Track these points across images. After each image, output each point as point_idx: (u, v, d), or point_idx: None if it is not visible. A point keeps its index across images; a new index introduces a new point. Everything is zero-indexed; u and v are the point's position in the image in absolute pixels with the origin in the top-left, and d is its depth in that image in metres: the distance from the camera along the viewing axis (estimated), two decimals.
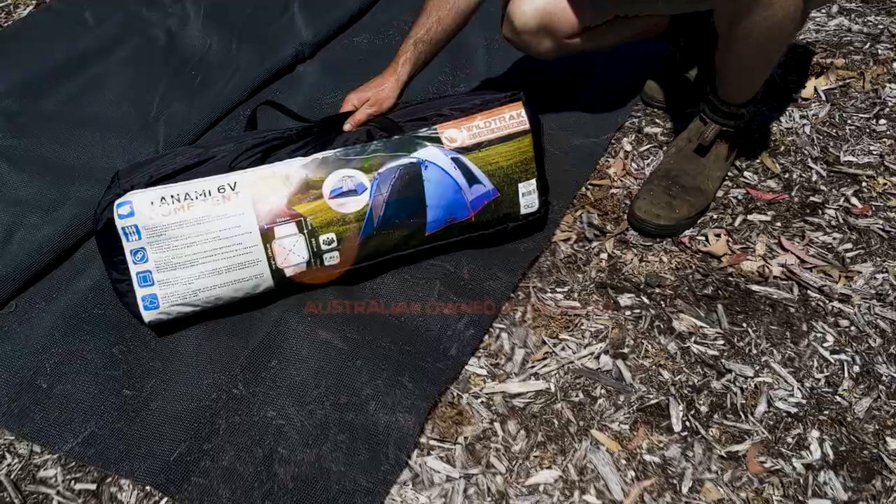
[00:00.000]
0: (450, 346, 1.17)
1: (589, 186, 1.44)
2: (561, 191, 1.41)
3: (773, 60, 1.27)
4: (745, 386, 1.11)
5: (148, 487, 1.03)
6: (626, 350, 1.17)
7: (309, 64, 1.80)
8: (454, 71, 1.74)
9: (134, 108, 1.62)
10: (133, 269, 1.14)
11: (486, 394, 1.12)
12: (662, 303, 1.24)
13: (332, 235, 1.18)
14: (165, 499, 1.02)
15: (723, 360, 1.15)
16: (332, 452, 1.04)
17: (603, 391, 1.12)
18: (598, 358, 1.16)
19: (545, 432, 1.07)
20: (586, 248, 1.33)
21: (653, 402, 1.10)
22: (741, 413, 1.08)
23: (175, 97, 1.65)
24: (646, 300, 1.24)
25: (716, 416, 1.08)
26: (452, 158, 1.22)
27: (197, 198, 1.14)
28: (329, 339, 1.18)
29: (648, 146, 1.53)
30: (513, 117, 1.25)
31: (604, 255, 1.32)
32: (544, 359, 1.17)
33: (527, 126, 1.25)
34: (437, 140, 1.22)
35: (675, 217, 1.33)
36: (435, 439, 1.07)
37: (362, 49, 1.86)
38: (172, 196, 1.14)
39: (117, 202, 1.13)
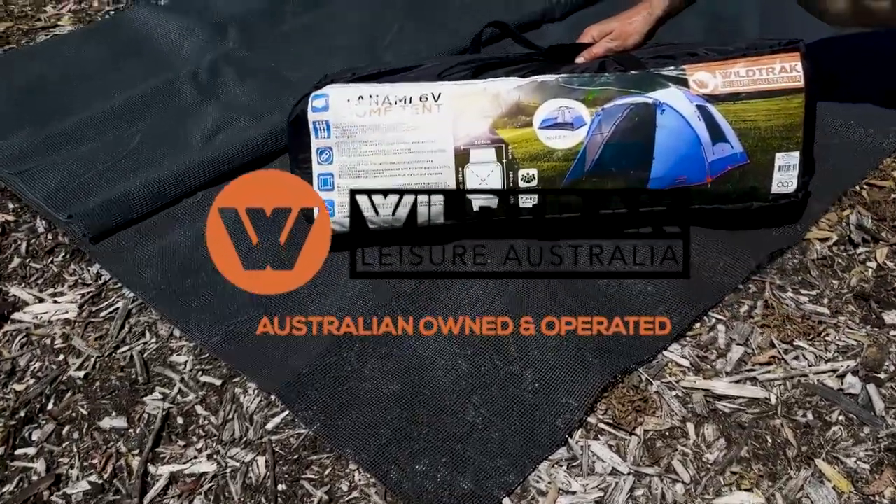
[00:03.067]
0: (647, 324, 0.95)
1: (865, 186, 1.16)
2: (826, 185, 1.13)
3: None
4: None
5: (273, 396, 0.91)
6: (882, 375, 0.89)
7: (557, 25, 1.64)
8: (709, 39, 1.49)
9: (366, 37, 1.56)
10: (316, 170, 1.04)
11: (684, 388, 0.89)
12: None
13: (533, 172, 1.00)
14: (286, 412, 0.89)
15: None
16: (479, 407, 0.87)
17: (841, 417, 0.85)
18: (842, 377, 0.89)
19: (753, 448, 0.82)
20: (849, 252, 1.05)
21: None
22: None
23: (409, 33, 1.57)
24: None
25: None
26: (698, 106, 1.00)
27: (396, 103, 1.02)
28: (509, 295, 1.00)
29: None
30: (784, 70, 1.01)
31: (871, 265, 1.03)
32: (769, 363, 0.91)
33: (801, 84, 1.00)
34: (682, 82, 1.01)
35: None
36: (607, 423, 0.86)
37: None
38: (371, 96, 1.02)
39: (314, 93, 1.04)
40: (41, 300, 1.08)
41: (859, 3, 1.13)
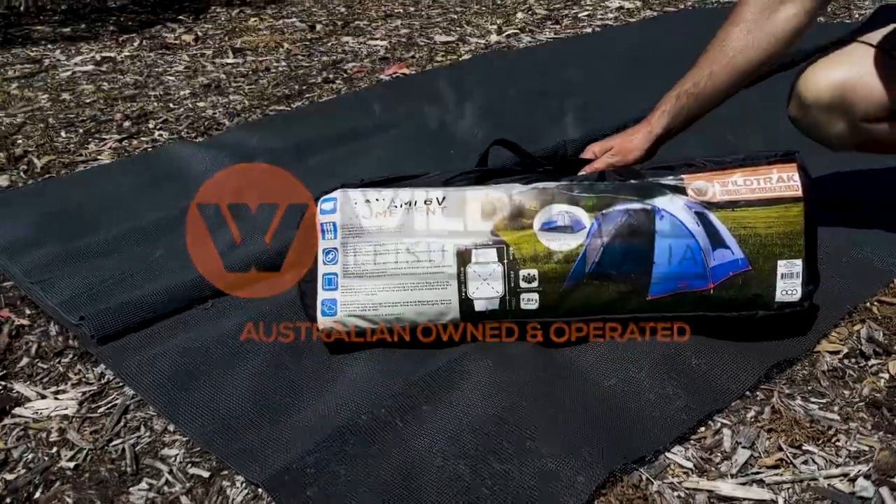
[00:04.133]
0: (651, 426, 0.92)
1: (875, 303, 1.14)
2: (836, 301, 1.13)
3: None
4: None
5: (259, 490, 0.88)
6: None
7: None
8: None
9: (386, 169, 1.63)
10: (321, 270, 1.06)
11: (687, 488, 0.85)
12: None
13: (534, 272, 1.01)
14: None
15: None
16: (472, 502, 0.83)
17: None
18: (853, 481, 0.84)
19: None
20: (861, 364, 1.03)
21: None
22: None
23: (428, 164, 1.64)
24: None
25: None
26: (696, 213, 1.02)
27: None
28: (507, 392, 0.98)
29: None
30: (782, 180, 1.03)
31: (884, 376, 1.00)
32: (776, 466, 0.87)
33: (798, 193, 1.02)
34: (681, 191, 1.04)
35: None
36: None
37: None
38: (378, 199, 1.06)
39: (323, 197, 1.08)
40: (43, 397, 1.08)
41: (858, 127, 1.17)
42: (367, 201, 1.06)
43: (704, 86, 1.14)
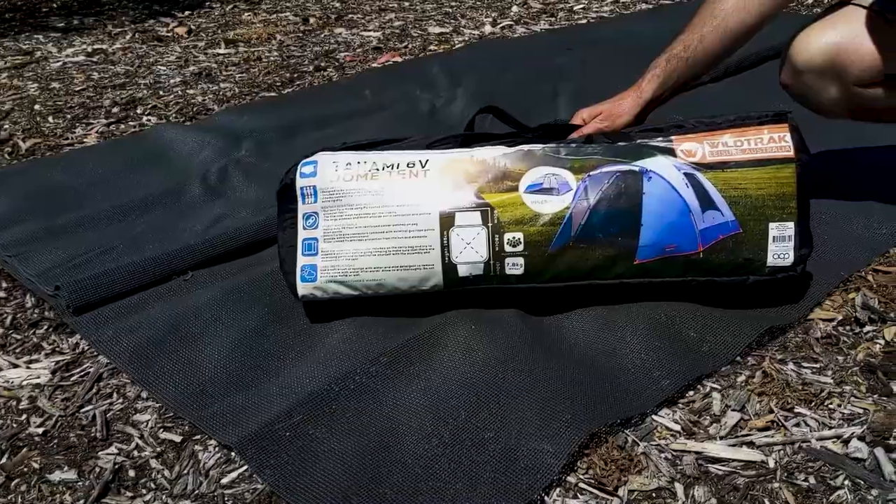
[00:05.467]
0: (636, 388, 0.89)
1: (871, 272, 1.11)
2: (830, 269, 1.10)
3: None
4: None
5: (232, 454, 0.85)
6: (892, 441, 0.81)
7: None
8: None
9: None
10: (301, 235, 1.03)
11: (675, 450, 0.82)
12: None
13: (519, 236, 0.99)
14: (244, 468, 0.83)
15: None
16: (450, 465, 0.80)
17: (847, 482, 0.76)
18: (847, 442, 0.81)
19: None
20: (855, 331, 1.00)
21: None
22: None
23: None
24: None
25: None
26: (686, 174, 0.99)
27: (383, 168, 1.02)
28: (489, 356, 0.95)
29: None
30: (773, 140, 1.00)
31: (880, 342, 0.97)
32: (767, 429, 0.84)
33: (790, 154, 0.99)
34: (670, 152, 1.01)
35: None
36: (588, 482, 0.78)
37: None
38: (359, 162, 1.03)
39: (303, 161, 1.05)
40: (16, 366, 1.05)
41: (851, 91, 1.14)
42: (349, 164, 1.03)
43: (695, 49, 1.11)
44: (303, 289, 1.02)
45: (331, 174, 1.03)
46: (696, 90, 1.81)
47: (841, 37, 1.11)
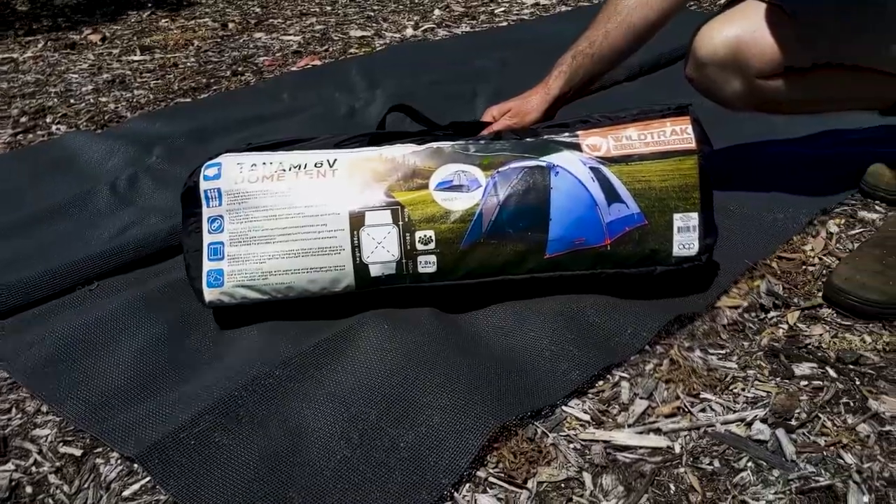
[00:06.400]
0: (547, 381, 0.89)
1: (775, 259, 1.14)
2: (736, 259, 1.12)
3: None
4: None
5: (135, 465, 0.82)
6: (793, 422, 0.83)
7: None
8: None
9: None
10: (206, 239, 1.01)
11: (583, 440, 0.82)
12: (857, 380, 0.89)
13: (430, 234, 0.98)
14: (147, 479, 0.81)
15: None
16: (359, 467, 0.79)
17: (751, 464, 0.78)
18: (750, 425, 0.83)
19: (654, 496, 0.75)
20: (760, 317, 1.02)
21: (822, 484, 0.74)
22: None
23: None
24: (832, 373, 0.90)
25: None
26: (591, 168, 1.00)
27: (290, 169, 1.01)
28: (401, 355, 0.94)
29: (861, 230, 1.21)
30: (675, 133, 1.02)
31: (783, 327, 1.00)
32: (673, 415, 0.85)
33: (692, 146, 1.01)
34: (576, 147, 1.02)
35: (888, 292, 0.99)
36: (498, 476, 0.78)
37: None
38: (265, 163, 1.01)
39: (207, 163, 1.03)
40: None
41: (753, 84, 1.16)
42: (254, 165, 1.01)
43: (601, 45, 1.13)
44: (209, 294, 1.00)
45: (235, 176, 1.01)
46: (612, 88, 1.87)
47: (742, 30, 1.14)
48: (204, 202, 1.01)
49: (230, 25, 2.93)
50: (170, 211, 1.34)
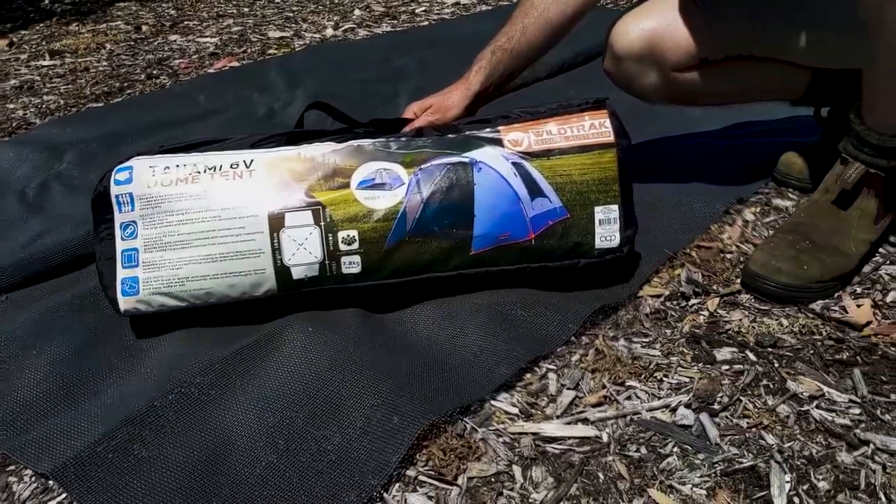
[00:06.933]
0: (475, 376, 0.89)
1: (694, 248, 1.16)
2: (657, 248, 1.14)
3: None
4: (889, 463, 0.75)
5: (50, 482, 0.79)
6: (716, 406, 0.84)
7: None
8: None
9: None
10: (119, 246, 0.97)
11: (512, 433, 0.82)
12: (776, 362, 0.91)
13: (353, 234, 0.97)
14: (63, 495, 0.77)
15: (857, 431, 0.79)
16: (286, 471, 0.77)
17: (676, 449, 0.79)
18: (674, 410, 0.84)
19: (583, 485, 0.75)
20: (681, 305, 1.04)
21: (746, 465, 0.76)
22: (882, 496, 0.72)
23: None
24: (752, 357, 0.92)
25: (841, 495, 0.72)
26: (513, 164, 1.00)
27: (205, 171, 0.98)
28: (326, 358, 0.93)
29: (776, 217, 1.24)
30: (594, 127, 1.03)
31: (704, 313, 1.02)
32: (599, 404, 0.86)
33: (611, 139, 1.02)
34: (497, 142, 1.02)
35: (802, 276, 1.01)
36: (428, 474, 0.77)
37: None
38: (178, 165, 0.98)
39: (117, 167, 0.99)
40: None
41: (669, 77, 1.19)
42: (167, 168, 0.98)
43: (518, 41, 1.13)
44: (125, 303, 0.96)
45: (148, 179, 0.97)
46: (534, 85, 1.89)
47: (657, 23, 1.16)
48: (116, 207, 0.98)
49: (144, 28, 2.85)
50: (82, 218, 1.29)
